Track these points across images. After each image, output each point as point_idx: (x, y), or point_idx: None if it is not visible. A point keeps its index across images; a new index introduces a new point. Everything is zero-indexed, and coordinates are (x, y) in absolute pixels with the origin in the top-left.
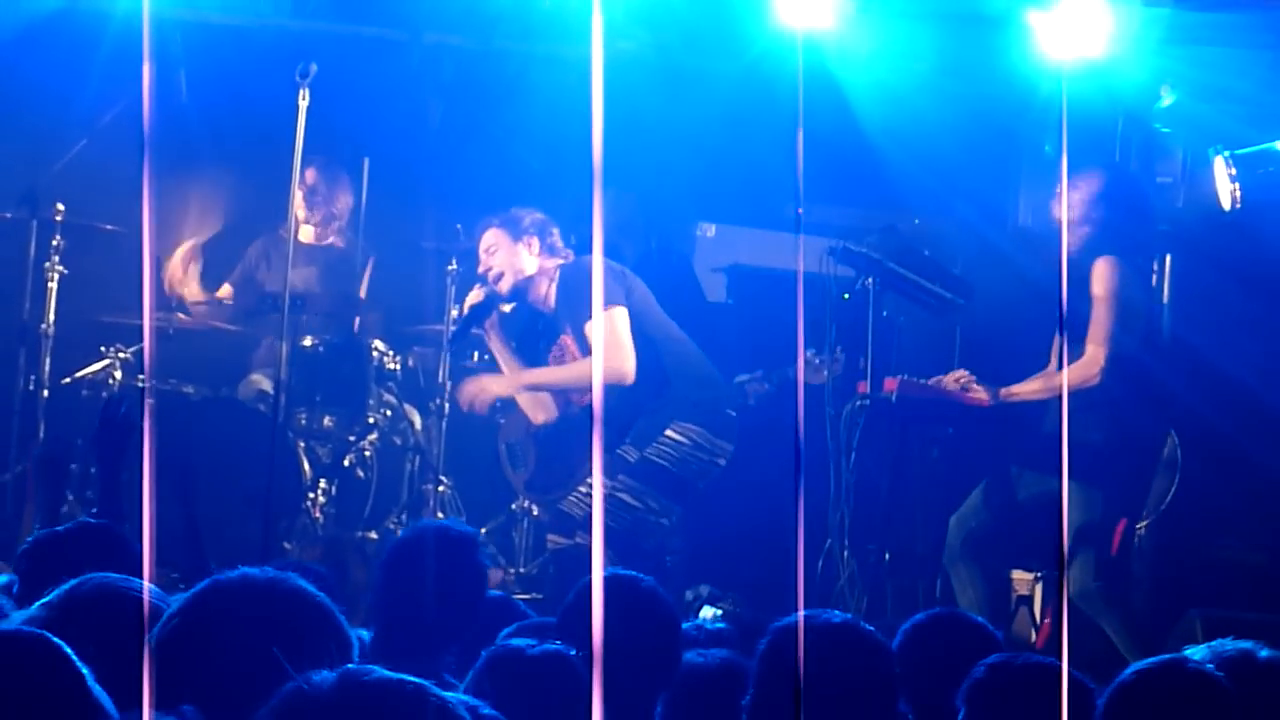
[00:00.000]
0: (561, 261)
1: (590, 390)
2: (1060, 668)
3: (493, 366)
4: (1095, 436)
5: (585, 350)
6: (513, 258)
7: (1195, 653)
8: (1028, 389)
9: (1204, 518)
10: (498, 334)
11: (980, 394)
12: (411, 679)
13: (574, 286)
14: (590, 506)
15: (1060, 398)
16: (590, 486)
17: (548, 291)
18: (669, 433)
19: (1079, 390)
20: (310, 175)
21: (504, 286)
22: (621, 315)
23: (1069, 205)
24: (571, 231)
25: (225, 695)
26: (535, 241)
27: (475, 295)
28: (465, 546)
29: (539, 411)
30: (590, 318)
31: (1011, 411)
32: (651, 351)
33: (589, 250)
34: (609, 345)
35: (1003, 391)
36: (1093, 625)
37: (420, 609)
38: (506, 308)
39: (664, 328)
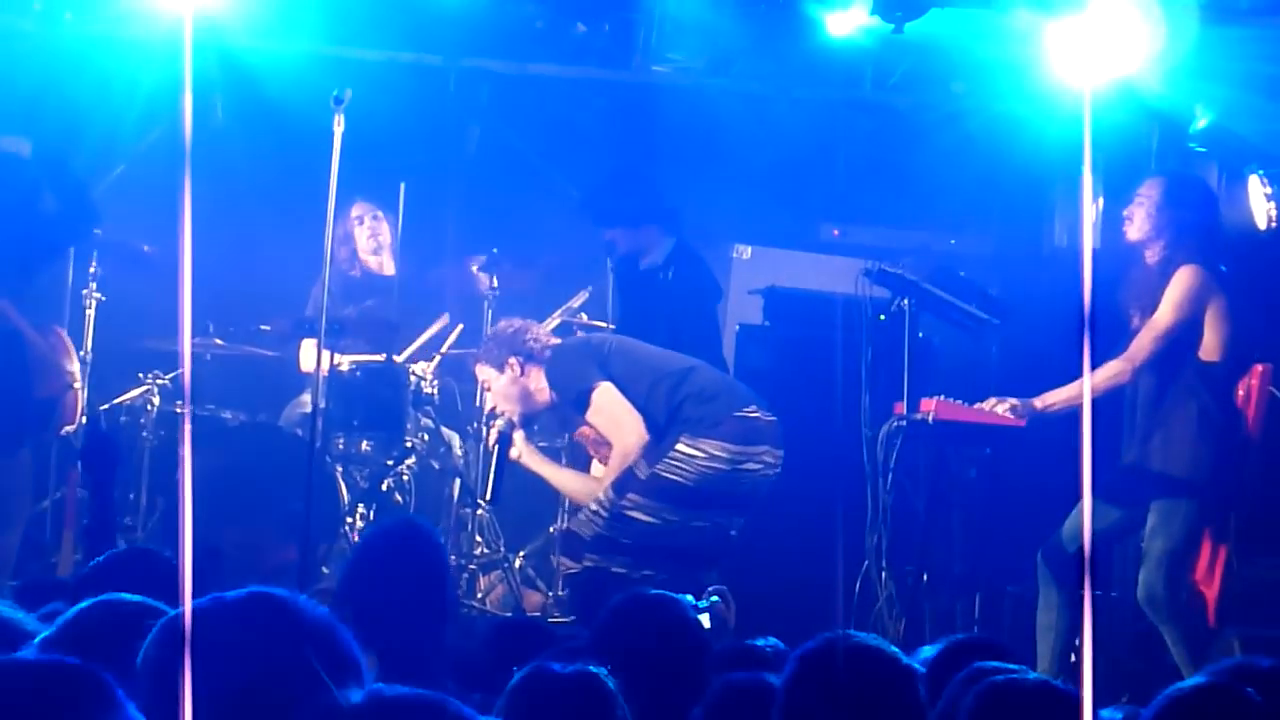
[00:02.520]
0: (538, 380)
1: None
2: (1058, 689)
3: None
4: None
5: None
6: (508, 388)
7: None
8: (1064, 395)
9: (1241, 538)
10: (527, 448)
11: (1012, 414)
12: (430, 693)
13: (555, 377)
14: (599, 527)
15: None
16: (598, 504)
17: (549, 395)
18: (680, 448)
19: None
20: (358, 207)
21: (515, 417)
22: (606, 390)
23: (1135, 224)
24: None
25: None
26: (517, 362)
27: (493, 433)
28: (419, 536)
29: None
30: (571, 391)
31: (1057, 438)
32: (653, 396)
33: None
34: (609, 428)
35: (1039, 402)
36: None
37: (378, 590)
38: (521, 435)
39: (656, 368)
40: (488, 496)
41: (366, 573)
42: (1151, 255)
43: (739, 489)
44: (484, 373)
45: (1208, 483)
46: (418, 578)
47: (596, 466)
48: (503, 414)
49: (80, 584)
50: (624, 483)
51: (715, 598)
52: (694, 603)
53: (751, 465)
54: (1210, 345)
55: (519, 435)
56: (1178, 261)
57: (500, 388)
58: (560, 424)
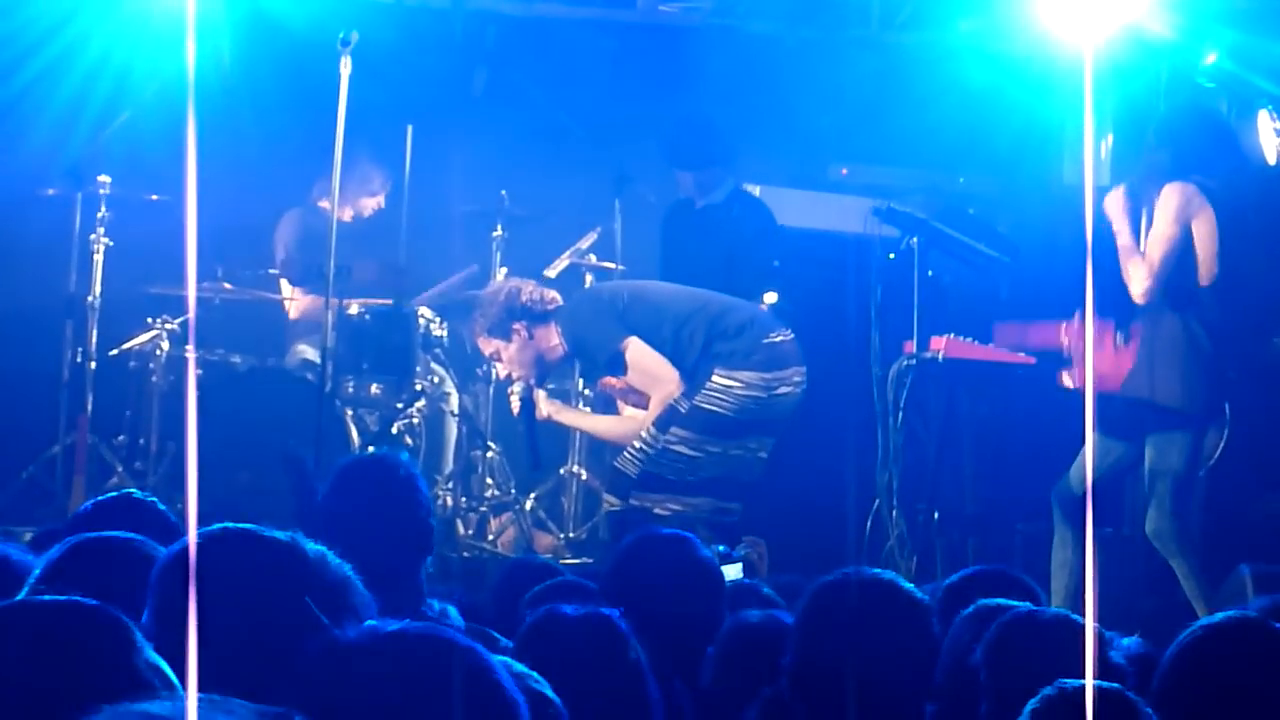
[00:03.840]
0: (553, 316)
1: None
2: (1074, 620)
3: None
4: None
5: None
6: (520, 354)
7: (1251, 606)
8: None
9: (1253, 473)
10: (553, 405)
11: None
12: (426, 626)
13: (578, 340)
14: (645, 464)
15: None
16: (642, 442)
17: (563, 349)
18: (717, 380)
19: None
20: (377, 175)
21: (531, 379)
22: (635, 346)
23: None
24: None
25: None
26: (522, 326)
27: (514, 401)
28: (388, 466)
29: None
30: (602, 354)
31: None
32: (679, 339)
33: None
34: (645, 383)
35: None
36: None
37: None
38: (543, 394)
39: (678, 312)
40: (536, 465)
41: (336, 505)
42: (1151, 165)
43: (773, 412)
44: (489, 345)
45: (1201, 412)
46: (389, 507)
47: (622, 407)
48: (519, 379)
49: (73, 525)
50: (666, 418)
51: (747, 549)
52: (727, 551)
53: (784, 389)
54: (1201, 264)
55: (540, 395)
56: (1168, 177)
57: (512, 355)
58: (583, 372)
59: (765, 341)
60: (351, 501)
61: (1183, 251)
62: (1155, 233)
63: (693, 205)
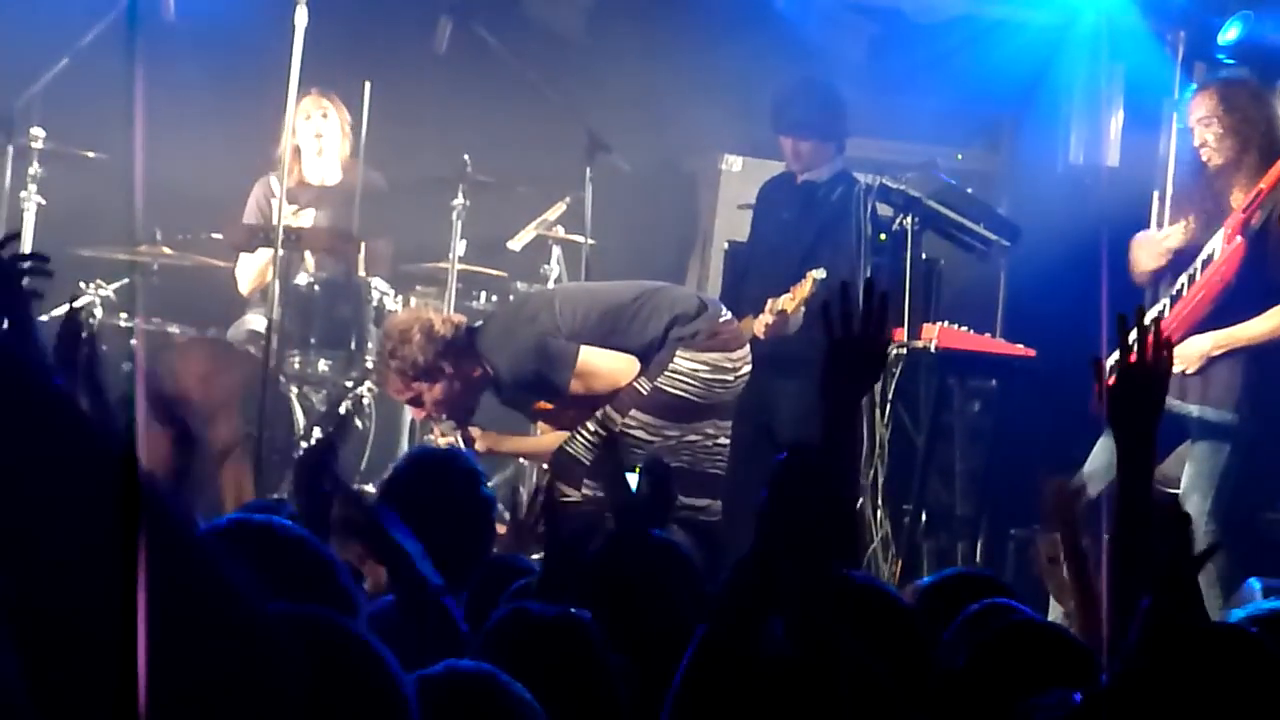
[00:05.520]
0: (477, 344)
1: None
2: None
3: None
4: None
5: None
6: (449, 393)
7: (1233, 615)
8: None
9: (1263, 486)
10: (487, 437)
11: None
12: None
13: (522, 375)
14: (598, 449)
15: None
16: (597, 422)
17: (484, 374)
18: (681, 363)
19: None
20: (312, 103)
21: (459, 418)
22: (590, 356)
23: (1214, 147)
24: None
25: None
26: (447, 364)
27: (443, 443)
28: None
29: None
30: (560, 379)
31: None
32: (632, 331)
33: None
34: (605, 386)
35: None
36: None
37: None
38: (477, 431)
39: (619, 304)
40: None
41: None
42: (1229, 164)
43: (731, 395)
44: (408, 391)
45: (1253, 416)
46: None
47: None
48: (444, 420)
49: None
50: (624, 400)
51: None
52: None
53: (744, 370)
54: None
55: (475, 432)
56: (1268, 161)
57: (436, 396)
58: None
59: (722, 321)
60: (412, 496)
61: None
62: None
63: (793, 179)
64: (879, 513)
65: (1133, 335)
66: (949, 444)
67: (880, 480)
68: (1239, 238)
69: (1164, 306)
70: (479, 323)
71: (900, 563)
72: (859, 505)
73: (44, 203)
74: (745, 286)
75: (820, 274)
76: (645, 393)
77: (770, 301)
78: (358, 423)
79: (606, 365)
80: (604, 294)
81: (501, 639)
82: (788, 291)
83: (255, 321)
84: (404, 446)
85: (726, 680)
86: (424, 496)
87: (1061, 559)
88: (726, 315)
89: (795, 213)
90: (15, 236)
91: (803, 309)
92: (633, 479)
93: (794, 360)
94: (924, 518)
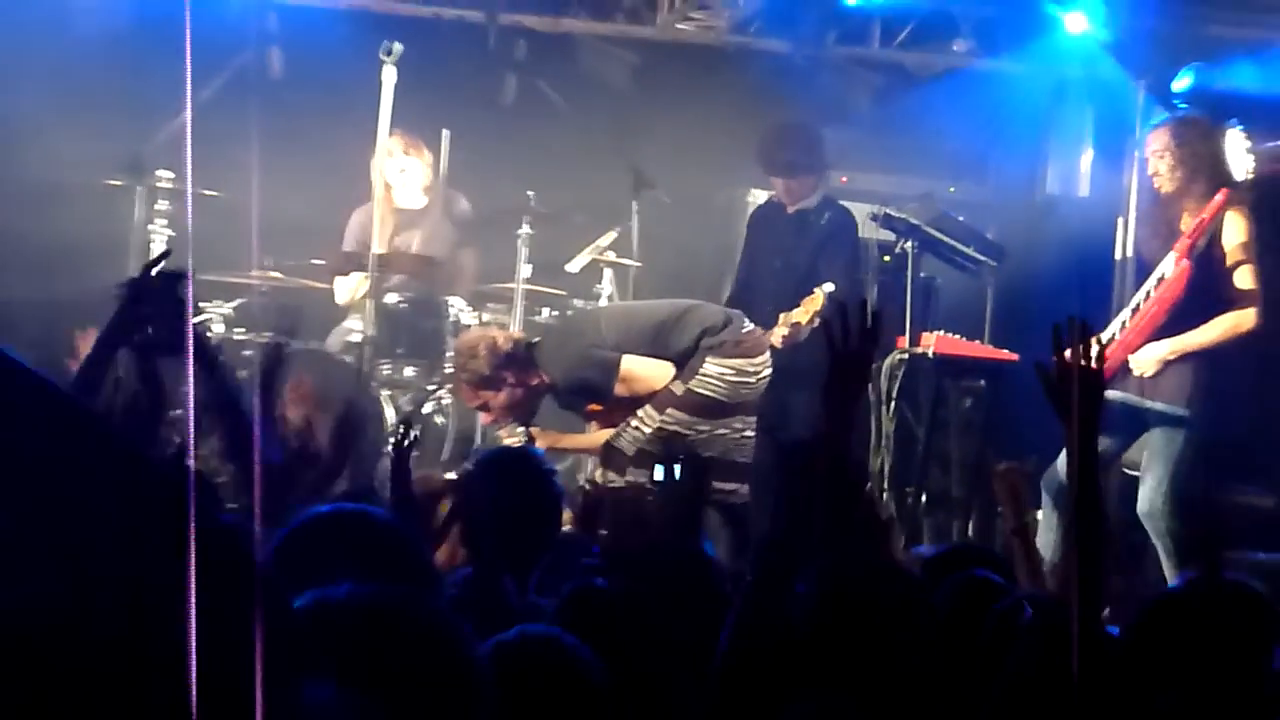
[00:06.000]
0: (536, 358)
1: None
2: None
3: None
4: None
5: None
6: (513, 399)
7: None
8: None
9: (1219, 463)
10: (546, 435)
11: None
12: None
13: (574, 380)
14: (641, 443)
15: None
16: (639, 419)
17: (545, 382)
18: (710, 368)
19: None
20: (398, 142)
21: (522, 420)
22: (631, 365)
23: (1164, 177)
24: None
25: None
26: (511, 375)
27: (510, 443)
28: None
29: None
30: (606, 384)
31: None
32: (666, 344)
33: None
34: (645, 388)
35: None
36: None
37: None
38: (537, 430)
39: (658, 321)
40: None
41: (480, 492)
42: (1178, 191)
43: (754, 395)
44: (477, 399)
45: (1202, 409)
46: (523, 503)
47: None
48: (509, 423)
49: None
50: (662, 400)
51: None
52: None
53: (765, 373)
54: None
55: (536, 432)
56: (1212, 190)
57: (501, 402)
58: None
59: (745, 332)
60: (488, 492)
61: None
62: (1242, 252)
63: (783, 209)
64: (885, 495)
65: (1065, 342)
66: (945, 436)
67: (887, 467)
68: (1185, 260)
69: (1125, 319)
70: (537, 339)
71: (904, 538)
72: (868, 489)
73: (172, 234)
74: (754, 303)
75: (830, 287)
76: (680, 394)
77: (783, 315)
78: (438, 420)
79: (645, 371)
80: (643, 311)
81: (572, 608)
82: (799, 306)
83: (351, 330)
84: (478, 441)
85: (766, 636)
86: (504, 492)
87: (1009, 531)
88: (749, 326)
89: (792, 238)
90: (167, 254)
91: (816, 320)
92: (671, 469)
93: (806, 367)
94: (924, 499)
